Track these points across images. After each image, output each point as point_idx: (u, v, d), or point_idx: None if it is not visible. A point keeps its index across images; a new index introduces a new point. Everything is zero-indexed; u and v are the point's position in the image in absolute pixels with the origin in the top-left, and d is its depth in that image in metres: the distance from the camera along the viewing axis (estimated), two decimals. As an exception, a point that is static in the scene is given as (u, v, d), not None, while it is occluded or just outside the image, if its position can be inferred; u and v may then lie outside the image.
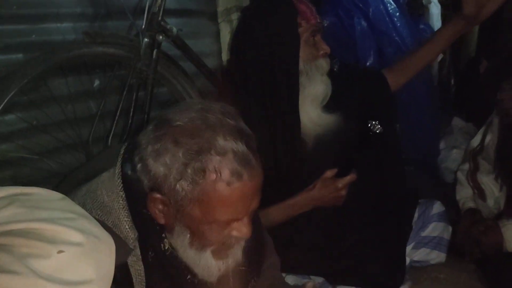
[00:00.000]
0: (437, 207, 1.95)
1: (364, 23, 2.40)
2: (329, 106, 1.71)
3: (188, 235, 1.03)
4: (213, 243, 1.03)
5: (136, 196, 1.03)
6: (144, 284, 1.04)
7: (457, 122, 2.98)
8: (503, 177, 1.91)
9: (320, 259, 1.71)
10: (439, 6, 3.30)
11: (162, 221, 1.03)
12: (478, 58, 3.36)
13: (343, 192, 1.63)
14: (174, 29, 2.07)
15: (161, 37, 2.01)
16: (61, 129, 1.94)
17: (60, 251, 0.71)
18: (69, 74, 1.94)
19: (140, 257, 1.04)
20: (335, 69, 1.75)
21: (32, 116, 1.87)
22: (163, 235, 1.06)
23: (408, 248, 1.88)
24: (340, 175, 1.62)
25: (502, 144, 1.87)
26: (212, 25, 2.62)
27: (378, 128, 1.69)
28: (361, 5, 2.39)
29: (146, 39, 1.96)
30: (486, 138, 1.97)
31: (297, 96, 1.65)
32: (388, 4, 2.42)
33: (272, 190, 1.44)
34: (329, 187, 1.63)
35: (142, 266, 1.04)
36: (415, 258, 1.91)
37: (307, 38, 1.63)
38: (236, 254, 1.08)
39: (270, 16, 1.65)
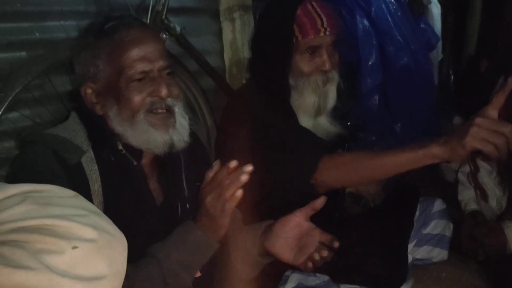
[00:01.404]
0: (439, 205, 1.97)
1: (366, 22, 2.40)
2: (335, 116, 1.71)
3: (116, 106, 1.24)
4: (138, 105, 1.22)
5: (86, 112, 1.27)
6: (99, 182, 1.19)
7: (457, 121, 2.98)
8: (505, 177, 1.91)
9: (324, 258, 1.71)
10: (439, 6, 3.31)
11: (99, 111, 1.26)
12: (478, 56, 3.37)
13: None
14: (178, 28, 2.08)
15: (164, 35, 2.01)
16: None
17: (74, 247, 0.72)
18: (73, 72, 1.93)
19: (94, 159, 1.21)
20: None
21: (36, 113, 1.86)
22: (116, 138, 1.25)
23: (410, 246, 1.89)
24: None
25: None
26: (214, 23, 2.61)
27: None
28: (363, 4, 2.40)
29: (149, 37, 1.96)
30: None
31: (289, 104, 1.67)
32: (390, 4, 2.42)
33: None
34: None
35: (96, 166, 1.20)
36: (418, 256, 1.92)
37: (300, 54, 1.63)
38: (179, 130, 1.27)
39: (265, 23, 1.68)
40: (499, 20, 2.99)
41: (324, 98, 1.67)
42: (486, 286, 1.90)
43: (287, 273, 1.63)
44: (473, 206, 1.97)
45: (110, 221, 0.83)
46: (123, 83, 1.22)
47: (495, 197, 1.97)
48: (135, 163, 1.27)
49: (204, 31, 2.57)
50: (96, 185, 1.18)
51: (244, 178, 1.13)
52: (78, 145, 1.21)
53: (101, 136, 1.24)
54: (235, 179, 1.13)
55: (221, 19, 2.60)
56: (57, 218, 0.75)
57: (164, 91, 1.23)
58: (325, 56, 1.63)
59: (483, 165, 2.01)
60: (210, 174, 1.21)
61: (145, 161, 1.30)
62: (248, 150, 1.44)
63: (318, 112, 1.69)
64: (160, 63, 1.25)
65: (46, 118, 1.88)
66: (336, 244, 1.33)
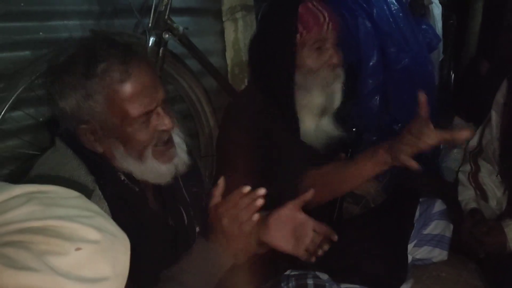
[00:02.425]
0: (439, 205, 1.98)
1: (368, 23, 2.40)
2: (339, 116, 1.72)
3: (122, 147, 1.16)
4: (146, 142, 1.17)
5: (80, 145, 1.17)
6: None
7: (457, 121, 2.98)
8: (505, 177, 1.92)
9: (323, 256, 1.72)
10: (440, 6, 3.31)
11: (100, 149, 1.17)
12: (478, 58, 3.37)
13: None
14: (180, 28, 2.09)
15: (167, 35, 2.03)
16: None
17: (77, 249, 0.73)
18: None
19: (102, 196, 1.13)
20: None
21: (40, 112, 1.88)
22: (115, 168, 1.19)
23: (410, 246, 1.89)
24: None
25: (505, 143, 1.88)
26: (216, 23, 2.62)
27: None
28: (365, 6, 2.40)
29: (152, 38, 1.98)
30: (484, 138, 1.99)
31: (294, 105, 1.65)
32: (392, 5, 2.43)
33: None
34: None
35: (106, 202, 1.13)
36: (417, 256, 1.93)
37: (308, 50, 1.61)
38: (180, 156, 1.24)
39: (269, 21, 1.67)
40: (500, 22, 2.99)
41: (331, 98, 1.66)
42: (485, 286, 1.90)
43: (287, 272, 1.64)
44: (472, 205, 1.97)
45: (114, 223, 0.84)
46: (126, 123, 1.15)
47: (495, 198, 1.96)
48: (137, 189, 1.23)
49: (206, 31, 2.59)
50: None
51: (260, 203, 1.16)
52: (83, 184, 1.13)
53: (105, 172, 1.17)
54: (251, 203, 1.17)
55: (223, 19, 2.61)
56: (62, 219, 0.75)
57: (168, 124, 1.19)
58: (332, 50, 1.62)
59: (484, 165, 2.01)
60: (217, 192, 1.23)
61: (143, 184, 1.27)
62: (246, 154, 1.47)
63: (323, 112, 1.68)
64: (160, 96, 1.19)
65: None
66: (334, 237, 1.36)
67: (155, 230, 1.24)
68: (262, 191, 1.17)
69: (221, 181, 1.24)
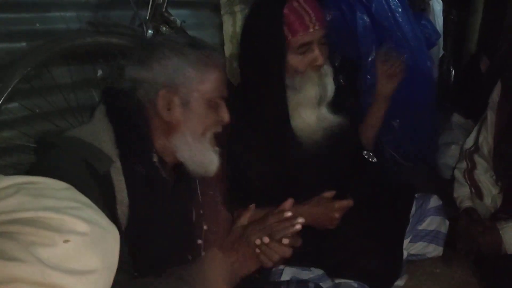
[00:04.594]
0: (434, 201, 1.98)
1: (366, 18, 2.39)
2: (334, 104, 1.72)
3: (194, 121, 1.24)
4: (210, 125, 1.26)
5: (124, 118, 1.20)
6: (125, 192, 1.16)
7: (456, 118, 2.98)
8: (500, 174, 1.92)
9: (318, 252, 1.73)
10: (441, 2, 3.29)
11: (169, 118, 1.22)
12: (479, 54, 3.36)
13: (337, 215, 1.64)
14: (178, 21, 2.08)
15: (164, 28, 2.02)
16: (63, 117, 1.95)
17: (66, 240, 0.73)
18: (72, 63, 1.94)
19: (121, 169, 1.16)
20: (336, 64, 1.75)
21: (35, 104, 1.87)
22: (154, 149, 1.24)
23: (405, 242, 1.90)
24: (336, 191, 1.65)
25: (499, 142, 1.89)
26: (214, 16, 2.61)
27: (372, 157, 1.75)
28: (364, 0, 2.38)
29: (150, 30, 1.97)
30: (480, 136, 1.99)
31: (286, 106, 1.66)
32: (391, 0, 2.42)
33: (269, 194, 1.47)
34: (325, 206, 1.63)
35: (123, 177, 1.16)
36: (412, 252, 1.94)
37: (293, 52, 1.61)
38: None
39: (254, 27, 1.66)
40: (501, 19, 2.98)
41: (324, 88, 1.67)
42: (479, 283, 1.90)
43: (281, 267, 1.64)
44: (467, 203, 1.97)
45: (103, 214, 0.83)
46: (205, 100, 1.24)
47: (490, 195, 1.97)
48: (164, 176, 1.25)
49: (204, 24, 2.58)
50: (121, 195, 1.15)
51: (298, 227, 1.20)
52: (107, 153, 1.16)
53: (137, 145, 1.21)
54: (288, 226, 1.20)
55: (221, 13, 2.60)
56: (51, 210, 0.75)
57: (227, 118, 1.29)
58: (316, 51, 1.61)
59: (480, 162, 2.02)
60: (246, 215, 1.29)
61: (169, 171, 1.30)
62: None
63: (320, 102, 1.68)
64: (226, 92, 1.29)
65: (45, 108, 1.90)
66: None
67: (168, 220, 1.26)
68: (301, 219, 1.20)
69: (252, 207, 1.30)
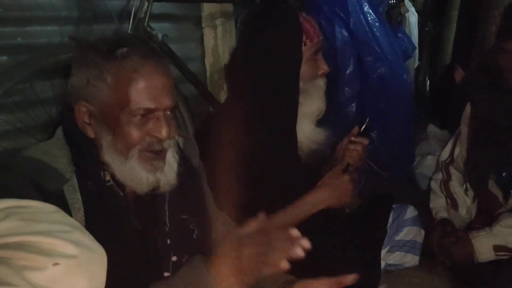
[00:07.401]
0: (411, 212, 2.01)
1: (345, 33, 2.44)
2: (322, 120, 1.75)
3: (111, 137, 1.14)
4: (135, 142, 1.14)
5: (76, 136, 1.17)
6: (82, 212, 1.11)
7: (432, 129, 3.03)
8: (472, 187, 1.97)
9: (294, 262, 1.74)
10: (416, 14, 3.37)
11: (91, 133, 1.16)
12: (453, 65, 3.44)
13: (350, 185, 1.71)
14: (159, 35, 2.10)
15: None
16: (46, 131, 1.95)
17: (55, 264, 0.75)
18: (54, 77, 1.94)
19: (77, 187, 1.12)
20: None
21: (17, 118, 1.87)
22: (104, 167, 1.16)
23: (383, 252, 1.92)
24: None
25: (471, 154, 1.94)
26: (196, 30, 2.63)
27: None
28: (342, 15, 2.43)
29: (131, 45, 1.98)
30: (456, 149, 2.04)
31: (296, 115, 1.67)
32: (368, 15, 2.47)
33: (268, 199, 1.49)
34: (338, 177, 1.70)
35: (79, 195, 1.11)
36: (390, 262, 1.96)
37: (309, 57, 1.64)
38: (167, 174, 1.20)
39: (276, 33, 1.62)
40: (474, 31, 3.05)
41: (324, 103, 1.72)
42: (455, 291, 1.95)
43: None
44: (443, 214, 2.02)
45: (91, 236, 0.85)
46: (124, 115, 1.13)
47: (465, 206, 2.02)
48: (121, 194, 1.19)
49: (186, 37, 2.59)
50: (78, 215, 1.10)
51: (301, 253, 1.06)
52: (61, 171, 1.11)
53: (88, 163, 1.16)
54: (290, 246, 1.07)
55: (203, 26, 2.62)
56: (41, 235, 0.77)
57: (164, 133, 1.15)
58: (322, 59, 1.68)
59: (455, 174, 2.06)
60: (253, 224, 1.14)
61: (129, 192, 1.22)
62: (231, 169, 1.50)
63: (318, 116, 1.73)
64: (167, 103, 1.16)
65: (27, 123, 1.89)
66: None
67: (129, 243, 1.18)
68: (307, 243, 1.08)
69: (262, 216, 1.15)
